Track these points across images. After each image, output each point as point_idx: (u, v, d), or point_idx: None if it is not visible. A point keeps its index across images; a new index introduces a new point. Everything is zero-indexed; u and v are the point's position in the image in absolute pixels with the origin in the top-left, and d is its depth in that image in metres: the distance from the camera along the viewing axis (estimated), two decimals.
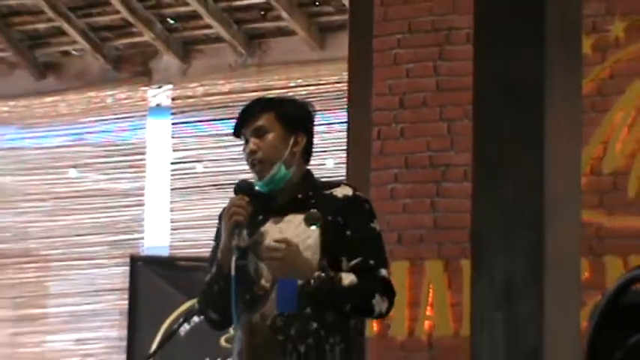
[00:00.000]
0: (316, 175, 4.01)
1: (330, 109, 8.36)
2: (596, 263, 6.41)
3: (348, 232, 3.77)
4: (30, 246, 9.11)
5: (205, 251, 7.77)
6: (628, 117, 6.81)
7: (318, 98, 8.31)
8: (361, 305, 3.77)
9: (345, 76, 7.58)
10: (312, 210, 3.83)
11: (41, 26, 9.00)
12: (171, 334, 7.18)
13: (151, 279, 7.81)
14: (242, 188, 3.83)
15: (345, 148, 7.34)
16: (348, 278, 3.76)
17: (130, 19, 8.73)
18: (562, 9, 3.87)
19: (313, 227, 3.85)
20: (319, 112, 8.28)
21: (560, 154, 3.90)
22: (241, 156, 6.72)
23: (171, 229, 8.85)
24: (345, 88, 7.58)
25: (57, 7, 8.71)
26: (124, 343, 7.91)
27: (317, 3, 8.58)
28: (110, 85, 9.15)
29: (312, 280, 3.73)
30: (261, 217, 3.79)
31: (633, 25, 6.68)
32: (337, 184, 3.95)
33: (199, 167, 8.91)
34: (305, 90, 8.47)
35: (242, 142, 4.00)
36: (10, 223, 9.16)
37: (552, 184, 3.82)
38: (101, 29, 9.03)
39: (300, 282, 3.81)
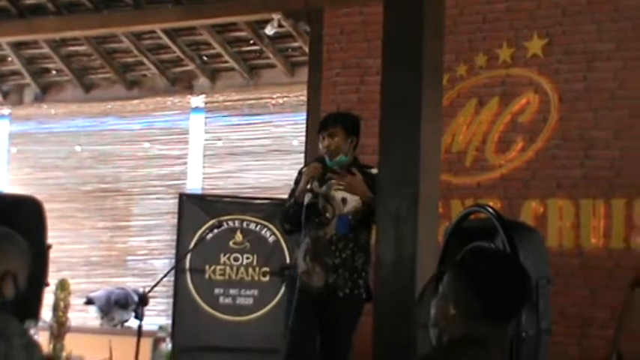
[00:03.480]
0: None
1: (297, 112, 9.61)
2: (446, 204, 7.76)
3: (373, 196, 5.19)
4: (120, 186, 10.76)
5: (221, 192, 9.20)
6: (466, 121, 8.26)
7: (289, 105, 9.89)
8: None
9: (305, 92, 9.14)
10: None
11: (130, 60, 10.70)
12: (201, 239, 8.04)
13: (190, 207, 8.60)
14: (319, 159, 5.46)
15: (304, 133, 8.93)
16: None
17: (182, 56, 10.38)
18: (432, 58, 5.16)
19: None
20: (289, 115, 9.66)
21: (430, 139, 5.10)
22: (242, 137, 9.53)
23: (203, 179, 10.34)
24: (306, 99, 9.08)
25: (140, 49, 10.44)
26: (174, 243, 8.76)
27: (290, 50, 9.85)
28: (170, 95, 10.68)
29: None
30: (327, 177, 5.35)
31: (470, 68, 8.23)
32: (371, 167, 5.41)
33: (219, 143, 10.32)
34: (281, 100, 9.94)
35: (320, 138, 5.51)
36: (109, 171, 10.83)
37: (425, 157, 5.04)
38: (166, 62, 10.56)
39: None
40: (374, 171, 5.32)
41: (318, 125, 5.46)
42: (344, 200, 5.28)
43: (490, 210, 3.68)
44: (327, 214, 5.27)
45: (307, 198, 5.27)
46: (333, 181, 5.25)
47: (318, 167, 5.27)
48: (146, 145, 10.70)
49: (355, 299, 5.26)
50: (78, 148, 10.94)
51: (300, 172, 5.40)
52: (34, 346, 2.97)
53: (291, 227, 5.40)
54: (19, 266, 2.98)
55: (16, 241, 3.03)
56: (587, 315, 7.38)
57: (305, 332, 5.26)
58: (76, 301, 9.47)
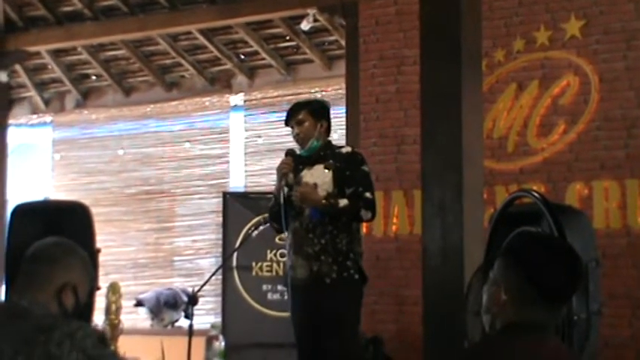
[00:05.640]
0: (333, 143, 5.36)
1: (335, 105, 8.78)
2: (490, 191, 7.64)
3: (347, 173, 5.13)
4: (164, 187, 10.86)
5: (264, 189, 9.11)
6: (506, 106, 8.19)
7: (328, 99, 9.03)
8: (351, 217, 5.10)
9: (343, 86, 9.17)
10: (329, 161, 5.18)
11: (168, 61, 10.78)
12: (247, 236, 8.21)
13: (234, 205, 8.67)
14: (289, 153, 5.32)
15: (344, 127, 8.88)
16: (342, 202, 5.08)
17: (220, 55, 10.43)
18: (470, 44, 5.27)
19: (327, 171, 5.18)
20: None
21: (471, 127, 5.18)
22: (282, 133, 9.01)
23: (245, 176, 10.40)
24: (344, 92, 9.12)
25: (177, 50, 10.56)
26: (221, 242, 8.86)
27: (327, 44, 9.88)
28: (209, 94, 10.75)
29: (323, 203, 5.10)
30: (301, 167, 5.21)
31: (508, 53, 8.17)
32: (343, 146, 5.45)
33: (260, 140, 10.36)
34: (320, 94, 9.88)
35: (289, 128, 5.39)
36: (152, 173, 10.96)
37: (467, 145, 5.10)
38: (204, 61, 10.65)
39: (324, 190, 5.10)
40: (345, 150, 5.27)
41: (285, 117, 5.34)
42: (315, 187, 5.17)
43: (535, 194, 3.61)
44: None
45: (285, 193, 5.21)
46: (305, 170, 5.18)
47: (289, 162, 5.18)
48: (187, 145, 10.77)
49: (345, 283, 5.08)
50: (120, 152, 11.06)
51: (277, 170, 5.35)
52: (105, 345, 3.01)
53: (279, 226, 5.27)
54: (81, 278, 3.02)
55: (77, 253, 3.07)
56: (637, 295, 7.30)
57: (304, 326, 5.16)
58: (126, 304, 9.41)
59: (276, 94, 10.33)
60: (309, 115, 5.24)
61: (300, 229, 5.14)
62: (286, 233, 5.25)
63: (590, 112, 7.81)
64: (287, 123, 5.28)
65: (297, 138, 5.24)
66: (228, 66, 10.48)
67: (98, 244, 4.37)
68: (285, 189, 5.15)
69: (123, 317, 8.92)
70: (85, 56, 10.90)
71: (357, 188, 5.07)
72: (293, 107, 5.34)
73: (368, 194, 5.08)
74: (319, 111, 5.31)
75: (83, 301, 3.05)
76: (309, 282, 5.06)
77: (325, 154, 5.21)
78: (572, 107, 7.92)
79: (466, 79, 5.09)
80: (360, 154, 5.27)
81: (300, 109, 5.28)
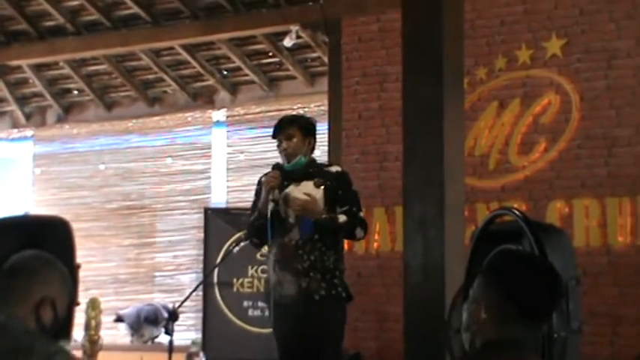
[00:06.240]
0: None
1: (318, 121, 7.98)
2: (472, 208, 7.58)
3: (340, 192, 5.08)
4: (145, 202, 10.89)
5: (246, 205, 7.99)
6: (487, 124, 8.28)
7: (310, 115, 8.59)
8: (348, 233, 5.07)
9: (326, 102, 9.20)
10: (317, 178, 5.07)
11: (150, 77, 10.82)
12: (228, 252, 8.22)
13: (216, 221, 8.75)
14: (276, 167, 5.23)
15: (327, 143, 8.79)
16: (341, 218, 5.04)
17: (202, 71, 10.50)
18: (452, 62, 5.26)
19: (317, 188, 5.08)
20: None
21: (453, 143, 5.18)
22: (265, 149, 9.05)
23: (227, 192, 10.45)
24: (326, 109, 9.16)
25: (160, 65, 10.53)
26: (202, 258, 8.94)
27: (309, 60, 9.96)
28: (191, 110, 10.83)
29: (323, 217, 5.00)
30: (286, 184, 5.11)
31: (490, 71, 8.24)
32: (330, 164, 5.46)
33: (242, 156, 10.41)
34: (302, 110, 9.74)
35: (276, 142, 5.26)
36: (134, 189, 10.96)
37: (449, 161, 5.11)
38: (186, 77, 10.73)
39: (314, 219, 4.99)
40: (334, 169, 5.25)
41: (273, 129, 5.26)
42: (315, 200, 5.14)
43: (516, 212, 3.55)
44: (290, 220, 5.11)
45: (270, 207, 5.13)
46: (292, 186, 5.11)
47: (277, 176, 5.11)
48: (169, 160, 10.82)
49: (333, 300, 5.04)
50: (102, 167, 11.07)
51: (259, 183, 5.24)
52: None
53: (260, 241, 5.25)
54: (59, 292, 2.95)
55: (55, 267, 3.00)
56: (618, 313, 7.35)
57: (289, 342, 5.10)
58: (106, 319, 9.49)
59: (258, 110, 10.38)
60: (298, 130, 5.20)
61: (289, 245, 5.10)
62: (267, 248, 5.24)
63: (571, 131, 7.86)
64: (275, 136, 5.24)
65: (285, 152, 5.20)
66: (211, 82, 10.54)
67: (79, 260, 4.32)
68: (271, 204, 5.09)
69: (103, 333, 8.92)
70: (66, 71, 10.93)
71: (352, 208, 5.07)
72: (282, 121, 5.33)
73: (360, 214, 5.11)
74: (308, 128, 5.28)
75: (62, 316, 2.99)
76: (297, 298, 5.02)
77: (313, 171, 5.18)
78: (553, 125, 7.97)
79: (448, 97, 5.11)
80: (348, 174, 5.27)
81: (290, 124, 5.26)
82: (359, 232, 5.08)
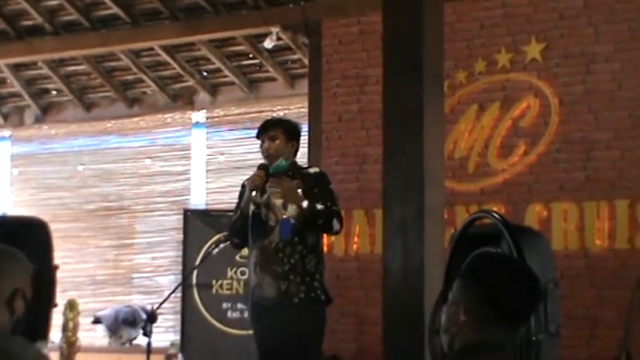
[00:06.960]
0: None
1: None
2: (451, 211, 7.73)
3: (316, 190, 5.16)
4: (124, 204, 10.81)
5: (226, 207, 8.72)
6: (467, 127, 8.30)
7: (290, 117, 8.76)
8: (326, 222, 5.06)
9: (306, 104, 9.24)
10: (297, 180, 5.17)
11: (130, 77, 10.75)
12: (207, 254, 8.16)
13: (195, 222, 8.74)
14: (262, 167, 5.29)
15: (307, 145, 8.64)
16: (319, 206, 5.13)
17: (182, 72, 10.44)
18: (433, 65, 5.18)
19: (299, 189, 5.18)
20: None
21: (433, 146, 5.12)
22: (245, 150, 9.24)
23: (207, 194, 10.39)
24: (306, 110, 9.17)
25: (139, 66, 10.48)
26: (181, 259, 8.97)
27: (290, 62, 9.89)
28: (171, 111, 10.75)
29: (303, 204, 5.05)
30: (268, 184, 5.17)
31: (469, 75, 8.29)
32: (310, 167, 5.60)
33: (222, 158, 10.38)
34: (282, 112, 9.77)
35: (259, 142, 5.33)
36: (112, 190, 10.89)
37: (429, 164, 5.04)
38: (166, 78, 10.64)
39: (295, 207, 5.05)
40: (312, 170, 5.34)
41: (258, 129, 5.34)
42: (285, 206, 5.16)
43: (495, 215, 3.57)
44: (270, 222, 5.16)
45: (251, 208, 5.19)
46: (273, 189, 5.15)
47: (262, 175, 5.18)
48: (148, 162, 10.77)
49: (312, 303, 5.09)
50: (80, 168, 11.00)
51: (243, 185, 5.28)
52: None
53: (240, 241, 5.31)
54: (25, 281, 2.98)
55: (19, 259, 3.03)
56: (595, 316, 7.37)
57: (269, 345, 5.14)
58: (84, 321, 9.46)
59: (238, 111, 10.35)
60: (282, 133, 5.25)
61: (269, 247, 5.14)
62: (248, 250, 5.27)
63: (550, 135, 7.89)
64: (258, 136, 5.30)
65: (267, 153, 5.26)
66: (191, 83, 10.49)
67: (56, 261, 4.32)
68: (252, 206, 5.14)
69: (80, 335, 8.92)
70: (45, 71, 10.85)
71: (327, 202, 5.12)
72: (268, 122, 5.38)
73: (336, 208, 5.16)
74: (292, 131, 5.33)
75: (29, 300, 3.01)
76: (276, 301, 5.05)
77: (293, 174, 5.24)
78: (532, 129, 7.99)
79: (428, 99, 5.08)
80: (327, 175, 5.33)
81: (275, 125, 5.32)
82: (335, 223, 5.10)
